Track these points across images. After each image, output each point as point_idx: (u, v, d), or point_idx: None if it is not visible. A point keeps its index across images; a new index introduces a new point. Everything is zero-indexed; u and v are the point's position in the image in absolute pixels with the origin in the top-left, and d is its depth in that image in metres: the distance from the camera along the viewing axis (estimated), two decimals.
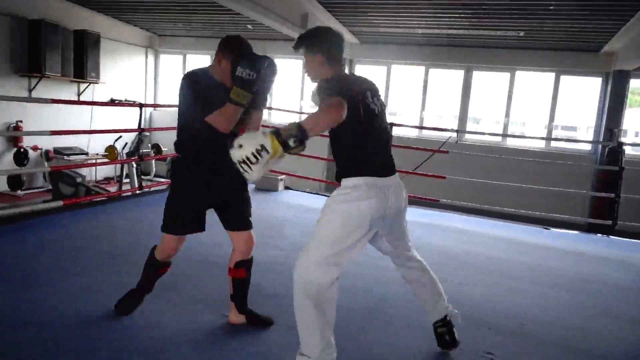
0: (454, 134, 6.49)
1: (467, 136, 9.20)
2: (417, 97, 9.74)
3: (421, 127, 9.16)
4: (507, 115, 9.19)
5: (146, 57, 11.23)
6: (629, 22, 6.44)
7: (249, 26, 9.01)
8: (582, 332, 2.97)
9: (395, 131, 6.61)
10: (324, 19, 8.01)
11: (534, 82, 9.25)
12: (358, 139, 2.06)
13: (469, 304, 3.21)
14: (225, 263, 2.57)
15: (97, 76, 9.25)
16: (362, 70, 10.25)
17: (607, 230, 5.96)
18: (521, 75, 9.12)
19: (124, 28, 10.33)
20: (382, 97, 2.35)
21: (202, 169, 2.32)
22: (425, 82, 9.64)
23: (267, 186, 6.63)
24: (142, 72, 11.22)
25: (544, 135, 9.08)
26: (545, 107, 9.05)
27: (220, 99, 2.16)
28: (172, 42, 11.28)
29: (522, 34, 7.72)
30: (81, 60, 8.90)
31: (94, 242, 3.81)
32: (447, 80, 9.73)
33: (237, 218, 2.45)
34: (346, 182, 2.05)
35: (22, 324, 2.39)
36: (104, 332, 2.41)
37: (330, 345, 2.02)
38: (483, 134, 9.08)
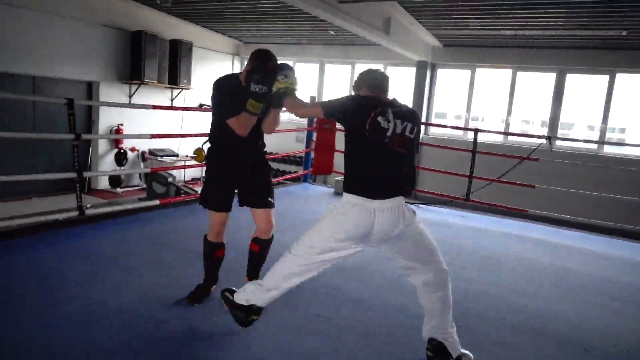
0: (545, 141, 6.10)
1: (558, 143, 8.63)
2: (503, 101, 9.31)
3: (508, 134, 8.73)
4: (605, 121, 8.50)
5: (232, 63, 11.77)
6: None
7: (332, 32, 9.13)
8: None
9: (480, 137, 6.36)
10: (406, 22, 7.93)
11: (637, 85, 8.47)
12: (359, 156, 2.26)
13: (560, 322, 3.02)
14: None
15: (189, 82, 9.85)
16: (445, 74, 9.99)
17: None
18: (622, 78, 8.40)
19: (214, 37, 10.92)
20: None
21: (227, 157, 2.73)
22: (513, 85, 9.19)
23: None
24: None
25: None
26: None
27: (244, 101, 2.49)
28: (256, 48, 11.70)
29: (625, 33, 7.11)
30: (175, 68, 9.53)
31: (184, 240, 4.04)
32: (535, 83, 9.21)
33: (257, 197, 2.78)
34: (343, 196, 2.26)
35: (117, 307, 2.60)
36: (180, 312, 2.55)
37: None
38: (578, 140, 8.45)
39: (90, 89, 8.82)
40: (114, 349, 2.24)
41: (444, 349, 2.27)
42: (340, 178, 6.85)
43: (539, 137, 6.39)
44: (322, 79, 11.25)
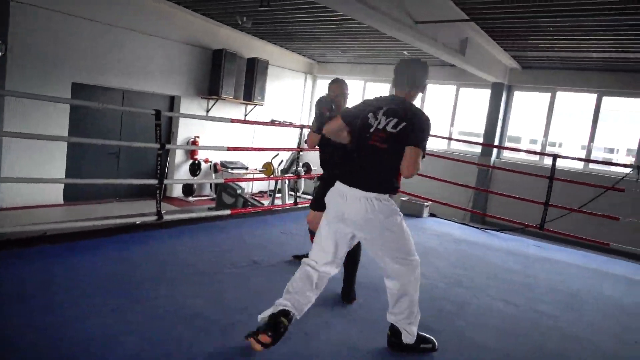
0: (633, 170, 5.68)
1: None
2: (585, 127, 8.77)
3: (591, 161, 8.17)
4: None
5: (305, 81, 12.07)
6: None
7: (406, 52, 9.12)
8: None
9: (559, 163, 6.03)
10: (484, 43, 7.75)
11: None
12: (350, 151, 2.55)
13: None
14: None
15: (263, 99, 10.21)
16: (522, 96, 9.62)
17: None
18: None
19: (289, 55, 11.27)
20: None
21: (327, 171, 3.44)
22: (597, 110, 8.64)
23: (412, 211, 6.56)
24: (301, 94, 12.08)
25: None
26: None
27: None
28: (329, 68, 11.96)
29: None
30: (251, 85, 9.93)
31: (252, 249, 4.15)
32: (622, 109, 8.62)
33: None
34: None
35: (186, 312, 2.71)
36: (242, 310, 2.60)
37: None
38: None
39: (172, 103, 9.39)
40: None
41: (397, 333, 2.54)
42: (406, 198, 6.76)
43: (627, 165, 5.95)
44: None
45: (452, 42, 7.17)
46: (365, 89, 11.62)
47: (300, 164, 9.95)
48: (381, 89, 11.42)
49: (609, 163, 7.16)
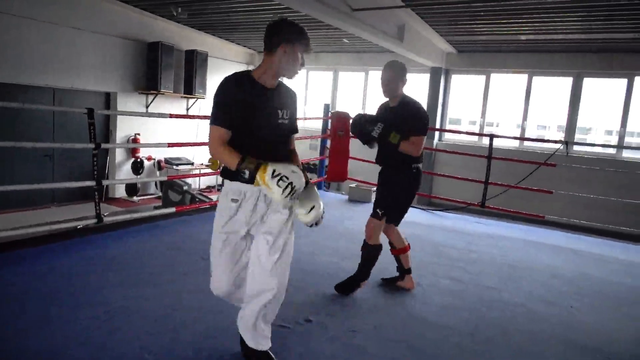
0: (562, 146, 6.03)
1: (576, 148, 8.52)
2: (519, 106, 9.22)
3: (525, 139, 8.63)
4: (624, 125, 8.36)
5: None
6: None
7: (345, 40, 9.17)
8: None
9: (496, 142, 6.31)
10: (420, 29, 7.93)
11: None
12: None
13: (583, 331, 2.96)
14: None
15: (204, 92, 9.97)
16: (460, 80, 9.95)
17: None
18: None
19: (228, 46, 11.05)
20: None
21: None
22: (528, 90, 9.11)
23: (360, 197, 6.66)
24: None
25: None
26: None
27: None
28: None
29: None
30: (191, 78, 9.67)
31: (202, 245, 4.07)
32: (551, 88, 9.11)
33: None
34: None
35: (140, 317, 2.63)
36: (221, 321, 2.57)
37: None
38: (596, 145, 8.32)
39: (108, 100, 8.98)
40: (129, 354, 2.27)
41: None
42: (354, 185, 6.86)
43: (556, 142, 6.33)
44: (335, 86, 11.29)
45: (390, 28, 7.29)
46: (307, 77, 11.60)
47: None
48: (323, 77, 11.45)
49: (540, 140, 7.55)
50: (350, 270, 3.39)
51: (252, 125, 2.05)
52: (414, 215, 6.18)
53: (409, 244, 3.41)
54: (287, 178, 1.90)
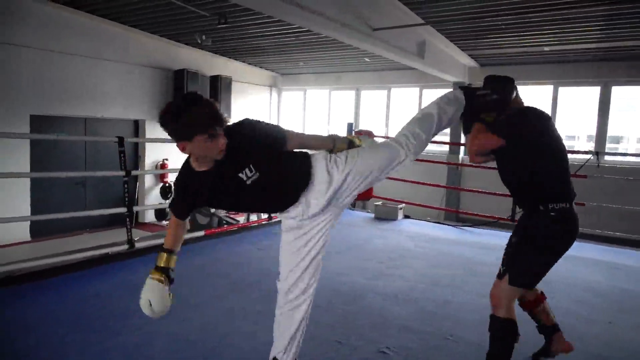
0: (593, 156, 5.88)
1: (607, 158, 8.29)
2: None
3: None
4: None
5: (270, 95, 12.09)
6: None
7: (367, 59, 9.26)
8: None
9: None
10: (441, 45, 7.94)
11: None
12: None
13: (621, 348, 2.84)
14: None
15: (229, 116, 10.16)
16: None
17: None
18: None
19: (252, 70, 11.29)
20: None
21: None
22: (555, 101, 8.96)
23: (387, 215, 6.61)
24: (267, 108, 12.09)
25: None
26: None
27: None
28: (293, 80, 12.02)
29: None
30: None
31: (232, 269, 4.11)
32: (579, 97, 8.95)
33: None
34: None
35: (171, 340, 2.65)
36: (254, 346, 2.57)
37: None
38: (628, 155, 8.09)
39: (137, 127, 9.25)
40: None
41: None
42: (380, 202, 6.82)
43: (586, 152, 6.17)
44: (358, 105, 11.36)
45: (410, 46, 7.33)
46: (330, 97, 11.71)
47: None
48: (346, 97, 11.54)
49: (570, 151, 7.35)
50: (379, 290, 3.35)
51: (224, 205, 2.07)
52: (442, 231, 6.10)
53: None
54: None
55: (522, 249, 2.25)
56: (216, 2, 6.50)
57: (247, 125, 1.96)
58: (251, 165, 1.90)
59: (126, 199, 4.30)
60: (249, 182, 1.90)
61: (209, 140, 1.78)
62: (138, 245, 4.35)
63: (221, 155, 1.84)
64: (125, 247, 4.20)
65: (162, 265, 2.01)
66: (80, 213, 7.20)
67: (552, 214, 2.19)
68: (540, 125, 2.27)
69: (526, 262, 2.24)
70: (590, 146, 8.77)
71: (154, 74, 9.14)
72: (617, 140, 9.31)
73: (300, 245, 2.06)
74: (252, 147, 1.91)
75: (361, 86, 11.23)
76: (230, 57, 10.41)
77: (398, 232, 5.89)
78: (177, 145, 1.82)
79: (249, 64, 11.06)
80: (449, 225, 6.62)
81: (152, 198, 9.48)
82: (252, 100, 11.54)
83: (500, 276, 2.28)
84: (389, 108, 10.90)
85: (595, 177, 5.87)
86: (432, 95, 10.26)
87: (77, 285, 3.55)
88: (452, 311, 3.35)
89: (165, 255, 2.01)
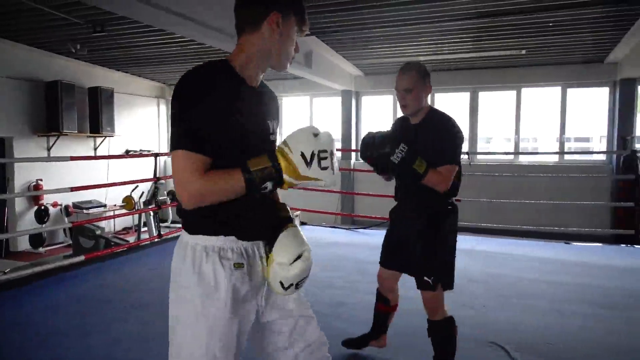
0: (465, 156, 6.48)
1: (479, 156, 9.18)
2: None
3: None
4: (517, 132, 9.18)
5: (158, 106, 11.57)
6: (628, 32, 6.47)
7: None
8: (616, 347, 2.88)
9: None
10: (328, 55, 8.22)
11: (542, 97, 9.26)
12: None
13: (494, 329, 3.15)
14: None
15: (112, 130, 9.53)
16: (368, 100, 10.40)
17: (632, 240, 5.82)
18: (528, 92, 9.15)
19: (136, 81, 10.71)
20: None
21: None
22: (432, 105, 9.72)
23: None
24: (155, 121, 11.54)
25: (557, 150, 9.02)
26: (555, 121, 9.02)
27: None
28: None
29: (524, 52, 7.78)
30: (96, 116, 9.21)
31: (118, 294, 3.84)
32: (453, 103, 9.80)
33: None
34: None
35: None
36: None
37: None
38: (493, 153, 9.04)
39: (3, 146, 8.29)
40: None
41: None
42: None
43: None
44: None
45: (298, 56, 7.45)
46: None
47: (165, 192, 9.53)
48: None
49: None
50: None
51: (239, 146, 1.31)
52: (337, 235, 6.29)
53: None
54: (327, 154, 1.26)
55: (438, 253, 2.35)
56: (90, 9, 6.06)
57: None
58: (277, 124, 1.50)
59: None
60: (271, 138, 1.45)
61: (298, 32, 1.41)
62: (3, 278, 3.89)
63: (287, 66, 1.46)
64: None
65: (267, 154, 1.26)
66: None
67: (450, 207, 2.39)
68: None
69: (448, 264, 2.40)
70: (465, 147, 9.63)
71: (21, 86, 8.25)
72: (489, 140, 10.34)
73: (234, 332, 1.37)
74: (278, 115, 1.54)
75: None
76: (111, 68, 9.77)
77: None
78: (263, 18, 1.34)
79: (133, 74, 10.49)
80: (342, 228, 6.85)
81: (26, 224, 8.53)
82: (138, 112, 10.95)
83: (429, 287, 2.32)
84: (281, 117, 11.02)
85: (468, 174, 6.46)
86: (323, 103, 10.59)
87: None
88: (346, 312, 3.45)
89: (251, 161, 1.25)
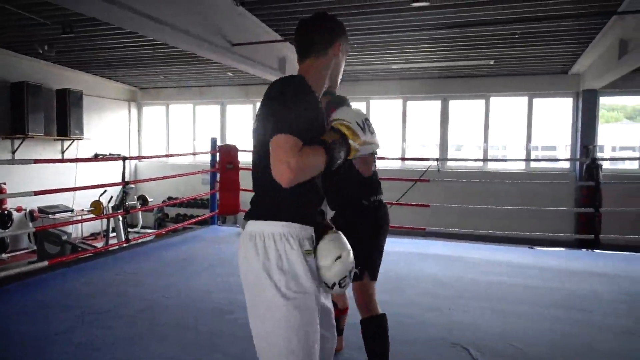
0: (435, 163, 6.61)
1: (450, 163, 9.36)
2: (398, 129, 9.94)
3: (402, 159, 9.34)
4: (486, 140, 9.41)
5: (129, 110, 11.39)
6: (590, 45, 6.75)
7: (229, 73, 9.23)
8: (576, 348, 2.98)
9: (380, 164, 6.70)
10: None
11: (510, 107, 9.52)
12: None
13: (460, 330, 3.22)
14: None
15: (81, 132, 9.33)
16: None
17: (592, 245, 6.04)
18: (496, 101, 9.40)
19: (106, 84, 10.53)
20: None
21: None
22: (404, 114, 9.88)
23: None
24: (126, 125, 11.35)
25: (524, 157, 9.28)
26: (522, 130, 9.29)
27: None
28: (154, 94, 11.48)
29: (492, 62, 8.01)
30: (64, 119, 9.00)
31: (83, 299, 3.76)
32: (426, 111, 9.98)
33: None
34: None
35: None
36: None
37: None
38: (463, 160, 9.26)
39: None
40: None
41: None
42: None
43: (427, 159, 6.91)
44: (224, 119, 11.25)
45: (271, 61, 7.51)
46: (194, 112, 11.43)
47: (135, 197, 9.37)
48: (211, 111, 11.37)
49: (415, 159, 8.25)
50: (244, 305, 3.33)
51: (315, 137, 1.51)
52: None
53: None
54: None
55: (363, 244, 2.30)
56: (58, 9, 5.95)
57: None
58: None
59: None
60: None
61: (344, 55, 1.71)
62: None
63: (336, 87, 1.75)
64: None
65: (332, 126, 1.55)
66: None
67: (369, 204, 2.56)
68: None
69: (372, 255, 2.49)
70: (436, 153, 9.81)
71: None
72: (460, 148, 10.54)
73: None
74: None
75: (226, 100, 11.15)
76: (81, 70, 9.58)
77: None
78: (329, 46, 1.64)
79: (103, 77, 10.30)
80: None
81: None
82: (108, 116, 10.75)
83: (357, 278, 2.15)
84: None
85: (437, 180, 6.59)
86: None
87: None
88: None
89: (327, 133, 1.52)
